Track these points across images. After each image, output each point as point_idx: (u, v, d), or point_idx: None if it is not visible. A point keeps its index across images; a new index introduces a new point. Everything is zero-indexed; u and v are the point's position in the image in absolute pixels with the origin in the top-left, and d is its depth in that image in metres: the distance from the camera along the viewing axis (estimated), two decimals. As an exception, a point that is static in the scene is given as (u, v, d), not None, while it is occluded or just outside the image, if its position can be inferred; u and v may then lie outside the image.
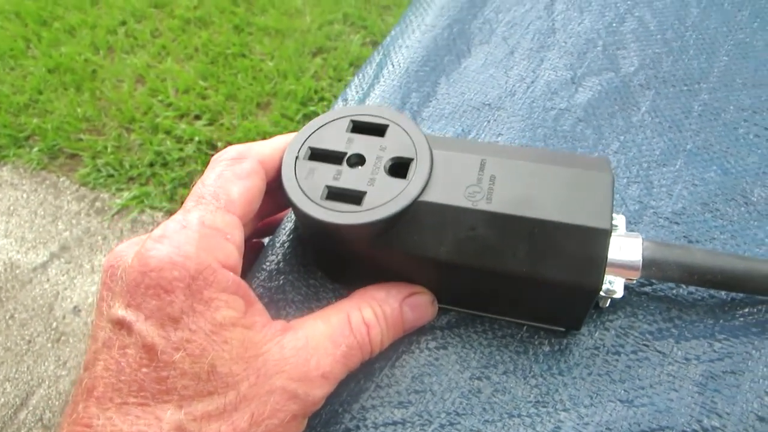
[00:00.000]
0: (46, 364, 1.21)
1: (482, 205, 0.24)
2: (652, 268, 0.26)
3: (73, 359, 1.21)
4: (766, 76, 0.35)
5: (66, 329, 1.25)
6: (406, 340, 0.28)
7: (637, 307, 0.28)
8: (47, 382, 1.19)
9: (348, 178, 0.26)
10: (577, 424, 0.25)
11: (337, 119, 0.28)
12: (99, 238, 1.37)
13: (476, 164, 0.25)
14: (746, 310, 0.27)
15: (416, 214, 0.25)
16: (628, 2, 0.41)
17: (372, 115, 0.27)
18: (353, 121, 0.27)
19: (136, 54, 1.62)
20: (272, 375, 0.22)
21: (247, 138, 1.40)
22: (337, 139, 0.27)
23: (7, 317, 1.27)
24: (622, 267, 0.26)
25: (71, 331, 1.25)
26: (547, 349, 0.27)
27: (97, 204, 1.41)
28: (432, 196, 0.25)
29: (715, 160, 0.32)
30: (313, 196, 0.25)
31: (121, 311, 0.21)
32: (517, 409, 0.26)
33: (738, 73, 0.36)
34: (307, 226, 0.27)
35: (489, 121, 0.35)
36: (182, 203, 0.24)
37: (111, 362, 0.21)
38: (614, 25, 0.39)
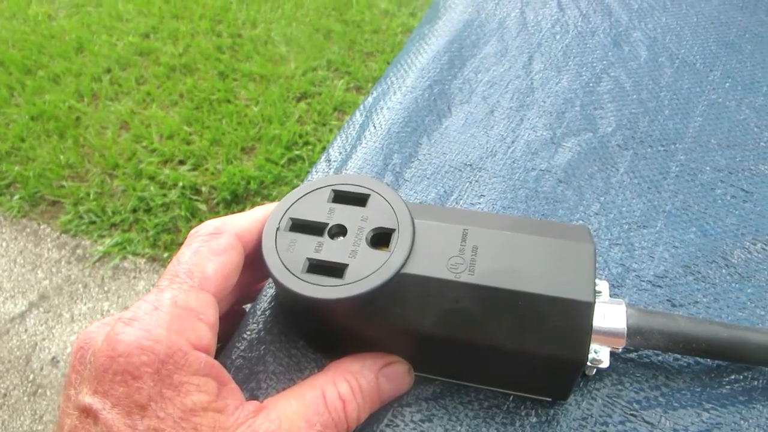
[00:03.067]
0: (21, 418, 1.17)
1: (465, 278, 0.24)
2: (636, 336, 0.26)
3: (50, 413, 1.17)
4: (740, 136, 0.36)
5: (43, 381, 1.21)
6: (390, 413, 0.27)
7: (623, 375, 0.28)
8: (22, 438, 1.15)
9: (329, 250, 0.25)
10: (567, 501, 0.25)
11: (317, 189, 0.28)
12: (80, 286, 1.34)
13: (458, 234, 0.25)
14: (732, 377, 0.27)
15: (399, 287, 0.24)
16: (604, 62, 0.42)
17: (353, 185, 0.27)
18: (334, 191, 0.27)
19: (121, 101, 1.62)
20: None
21: (232, 182, 1.40)
22: (318, 209, 0.27)
23: (-19, 371, 1.23)
24: (607, 335, 0.26)
25: (49, 384, 1.21)
26: (534, 420, 0.27)
27: (78, 251, 1.39)
28: (414, 269, 0.24)
29: (695, 221, 0.32)
30: (293, 269, 0.25)
31: (87, 398, 0.21)
32: (505, 486, 0.25)
33: (712, 133, 0.37)
34: (288, 298, 0.27)
35: (471, 182, 0.35)
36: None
37: None
38: (591, 84, 0.40)
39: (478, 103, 0.40)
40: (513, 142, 0.37)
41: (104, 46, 1.77)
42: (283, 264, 0.25)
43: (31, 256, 1.39)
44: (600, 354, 0.26)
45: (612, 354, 0.27)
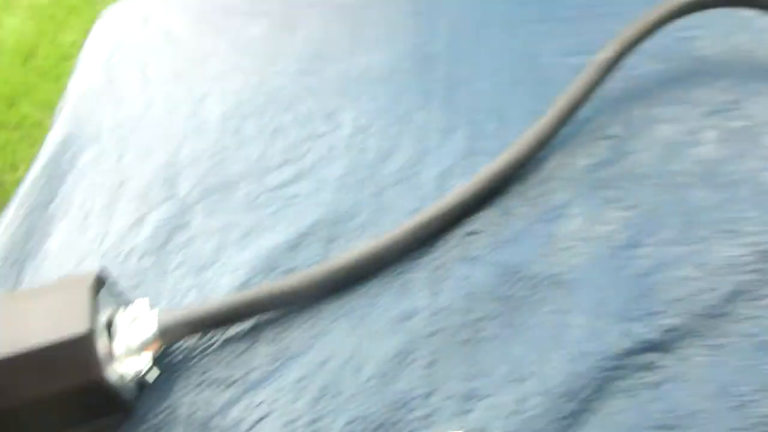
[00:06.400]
0: None
1: None
2: (173, 331, 0.31)
3: None
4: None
5: None
6: None
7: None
8: None
9: None
10: None
11: None
12: None
13: None
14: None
15: None
16: (180, 136, 0.47)
17: None
18: None
19: None
20: None
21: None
22: None
23: None
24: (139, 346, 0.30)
25: None
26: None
27: None
28: None
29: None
30: None
31: None
32: None
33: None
34: None
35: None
36: None
37: None
38: (170, 158, 0.45)
39: (75, 213, 0.43)
40: (103, 239, 0.41)
41: None
42: None
43: None
44: (146, 365, 0.30)
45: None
